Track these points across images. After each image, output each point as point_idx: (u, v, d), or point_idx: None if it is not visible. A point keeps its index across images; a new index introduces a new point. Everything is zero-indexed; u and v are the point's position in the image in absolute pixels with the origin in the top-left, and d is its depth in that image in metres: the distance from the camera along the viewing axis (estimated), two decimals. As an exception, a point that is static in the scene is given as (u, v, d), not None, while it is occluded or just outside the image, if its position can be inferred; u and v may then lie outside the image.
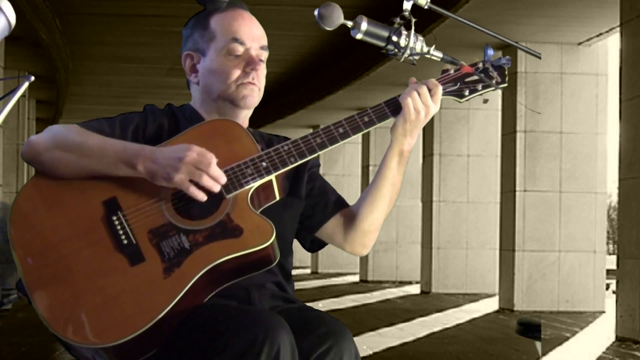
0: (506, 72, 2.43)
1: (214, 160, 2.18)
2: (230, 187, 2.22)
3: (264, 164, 2.25)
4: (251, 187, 2.24)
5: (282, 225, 2.38)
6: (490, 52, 2.41)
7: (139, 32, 13.07)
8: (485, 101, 2.50)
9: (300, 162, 2.29)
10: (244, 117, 2.44)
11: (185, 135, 2.28)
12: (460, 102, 2.42)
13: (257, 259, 2.20)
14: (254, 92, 2.40)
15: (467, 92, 2.41)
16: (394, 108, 2.37)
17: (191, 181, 2.17)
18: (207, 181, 2.17)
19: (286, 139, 2.47)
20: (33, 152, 2.26)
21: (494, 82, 2.41)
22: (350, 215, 2.49)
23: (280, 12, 11.29)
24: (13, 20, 2.02)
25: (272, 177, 2.27)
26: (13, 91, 2.17)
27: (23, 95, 13.77)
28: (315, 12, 2.29)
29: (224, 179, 2.20)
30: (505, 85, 2.42)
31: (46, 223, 2.22)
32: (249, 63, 2.37)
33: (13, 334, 7.73)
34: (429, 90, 2.37)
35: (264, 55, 2.42)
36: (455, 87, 2.41)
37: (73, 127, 2.30)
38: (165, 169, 2.17)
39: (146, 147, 2.22)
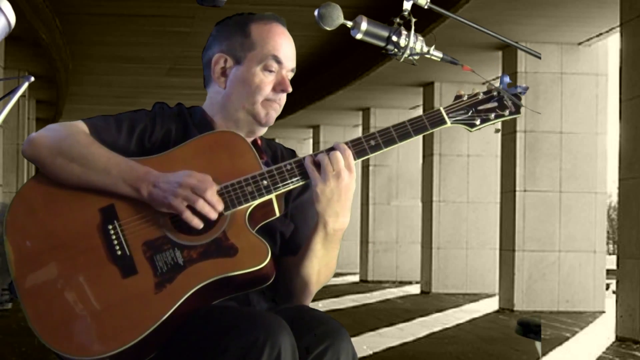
0: (521, 102, 2.34)
1: (213, 187, 2.17)
2: (229, 204, 2.20)
3: (264, 182, 2.22)
4: (250, 205, 2.22)
5: (275, 231, 2.37)
6: (507, 79, 2.35)
7: (139, 32, 13.06)
8: (497, 131, 2.46)
9: (302, 183, 2.25)
10: (259, 132, 2.42)
11: (189, 145, 2.26)
12: (471, 131, 2.34)
13: (252, 279, 2.19)
14: (276, 111, 2.38)
15: (478, 122, 2.33)
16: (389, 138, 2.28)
17: (189, 207, 2.16)
18: (203, 206, 2.16)
19: (292, 152, 2.45)
20: (35, 154, 2.24)
21: (507, 111, 2.33)
22: (285, 264, 2.38)
23: (280, 12, 11.14)
24: (13, 20, 2.02)
25: (272, 196, 2.24)
26: (13, 91, 2.16)
27: (23, 95, 13.77)
28: (315, 12, 2.29)
29: (220, 206, 2.18)
30: (519, 114, 2.34)
31: (41, 227, 2.20)
32: (281, 83, 2.36)
33: (13, 334, 7.73)
34: (341, 154, 2.23)
35: (291, 75, 2.41)
36: (467, 115, 2.32)
37: (79, 132, 2.26)
38: (164, 193, 2.16)
39: (152, 171, 2.20)
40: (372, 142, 2.27)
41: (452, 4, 9.28)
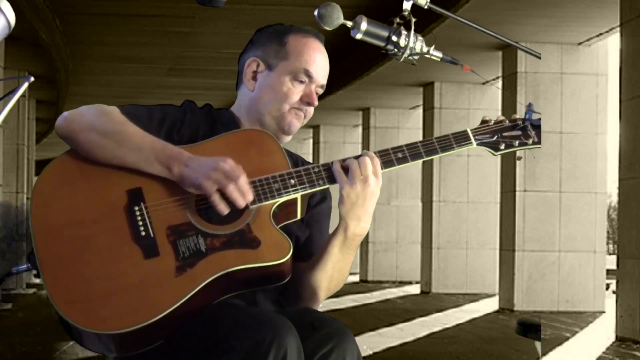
0: (540, 135, 2.41)
1: (244, 175, 2.19)
2: (255, 199, 2.22)
3: (292, 181, 2.26)
4: (276, 202, 2.24)
5: (290, 238, 2.38)
6: (532, 109, 2.41)
7: (139, 32, 13.07)
8: (519, 158, 2.52)
9: (327, 186, 2.29)
10: (282, 140, 2.44)
11: (220, 140, 2.29)
12: (494, 154, 2.41)
13: (270, 274, 2.21)
14: (300, 122, 2.42)
15: (502, 146, 2.39)
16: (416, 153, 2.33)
17: (218, 191, 2.17)
18: (232, 192, 2.17)
19: (303, 160, 2.49)
20: (70, 129, 2.25)
21: (530, 141, 2.40)
22: (299, 268, 2.38)
23: (280, 12, 11.29)
24: (13, 21, 2.03)
25: (298, 195, 2.27)
26: (13, 91, 2.17)
27: (23, 95, 13.78)
28: (315, 12, 2.30)
29: (251, 196, 2.20)
30: (540, 146, 2.41)
31: (67, 202, 2.21)
32: (308, 96, 2.40)
33: (13, 334, 7.73)
34: (369, 161, 2.27)
35: (320, 92, 2.44)
36: (492, 140, 2.39)
37: (113, 110, 2.28)
38: (195, 174, 2.18)
39: (184, 152, 2.22)
40: (400, 155, 2.32)
41: (452, 4, 9.28)
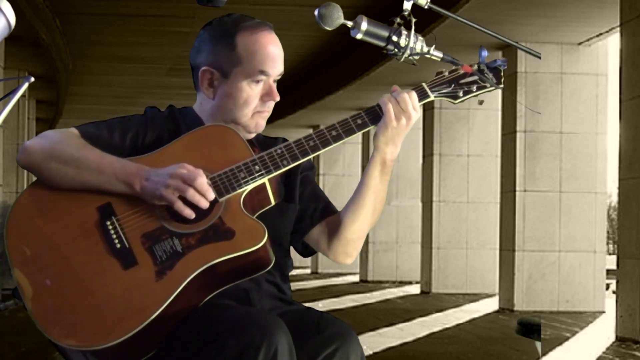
0: (502, 74, 2.41)
1: (203, 176, 2.19)
2: (223, 191, 2.23)
3: (256, 167, 2.26)
4: (244, 191, 2.25)
5: (279, 231, 2.39)
6: (485, 53, 2.40)
7: (139, 32, 13.07)
8: (481, 102, 2.51)
9: (293, 164, 2.30)
10: (248, 137, 2.44)
11: (181, 141, 2.30)
12: (454, 102, 2.41)
13: (251, 262, 2.21)
14: (265, 119, 2.43)
15: (461, 94, 2.40)
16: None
17: (181, 198, 2.18)
18: (193, 195, 2.18)
19: (284, 140, 2.47)
20: (29, 161, 2.27)
21: (488, 84, 2.39)
22: (335, 222, 2.47)
23: (280, 12, 11.29)
24: (13, 21, 2.03)
25: (265, 180, 2.28)
26: (13, 91, 2.17)
27: (23, 96, 13.76)
28: (315, 12, 2.30)
29: (211, 195, 2.20)
30: (501, 86, 2.40)
31: (41, 230, 2.23)
32: (269, 94, 2.38)
33: (13, 334, 7.73)
34: (409, 96, 2.35)
35: (279, 78, 2.42)
36: (450, 89, 2.39)
37: (71, 136, 2.29)
38: (155, 185, 2.19)
39: (144, 167, 2.23)
40: (359, 121, 2.35)
41: (452, 4, 9.29)
